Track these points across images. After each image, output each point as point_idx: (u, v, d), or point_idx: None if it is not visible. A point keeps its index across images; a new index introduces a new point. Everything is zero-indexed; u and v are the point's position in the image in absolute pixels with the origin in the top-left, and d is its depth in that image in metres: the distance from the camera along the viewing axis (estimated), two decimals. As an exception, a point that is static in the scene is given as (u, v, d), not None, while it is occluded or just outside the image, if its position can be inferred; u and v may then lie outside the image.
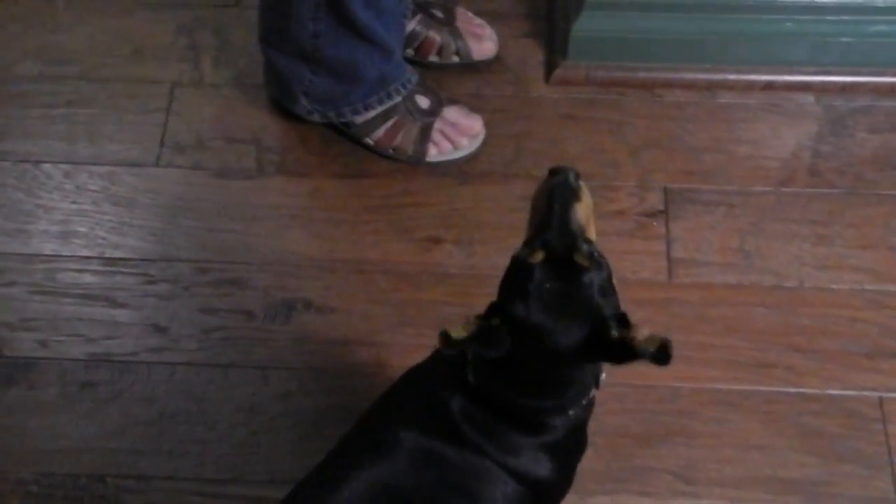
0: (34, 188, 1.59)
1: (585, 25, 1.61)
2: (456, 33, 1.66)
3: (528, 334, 0.91)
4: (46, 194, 1.59)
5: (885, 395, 1.39)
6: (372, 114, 1.56)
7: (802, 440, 1.36)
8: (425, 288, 1.49)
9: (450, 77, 1.68)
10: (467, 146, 1.59)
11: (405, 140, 1.57)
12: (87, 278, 1.51)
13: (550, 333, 0.90)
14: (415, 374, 1.08)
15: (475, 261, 1.51)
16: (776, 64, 1.64)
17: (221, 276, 1.51)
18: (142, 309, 1.48)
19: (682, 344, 1.43)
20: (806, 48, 1.62)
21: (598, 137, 1.62)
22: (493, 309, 0.95)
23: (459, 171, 1.59)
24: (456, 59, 1.67)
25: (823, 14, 1.58)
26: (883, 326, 1.44)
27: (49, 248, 1.54)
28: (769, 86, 1.65)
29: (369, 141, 1.59)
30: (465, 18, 1.69)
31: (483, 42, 1.67)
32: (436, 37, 1.65)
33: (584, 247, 0.91)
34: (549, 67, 1.68)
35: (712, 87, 1.66)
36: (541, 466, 1.01)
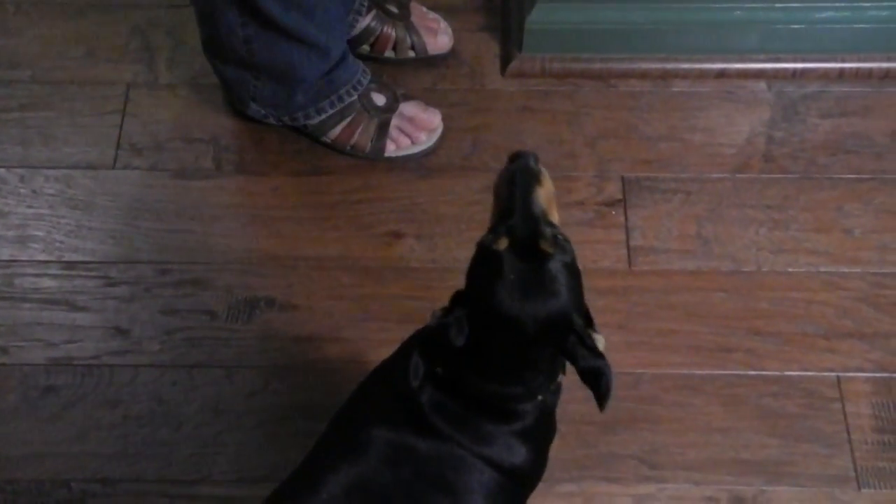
0: (-11, 193, 1.58)
1: (540, 17, 1.62)
2: (411, 28, 1.66)
3: (496, 321, 0.92)
4: (1, 199, 1.57)
5: (842, 374, 1.42)
6: (325, 115, 1.56)
7: (763, 422, 1.39)
8: (387, 283, 1.49)
9: (406, 72, 1.68)
10: (425, 141, 1.60)
11: (363, 137, 1.57)
12: (46, 282, 1.50)
13: (517, 319, 0.91)
14: (382, 371, 1.08)
15: (436, 254, 1.51)
16: (728, 52, 1.66)
17: (182, 277, 1.50)
18: (102, 312, 1.47)
19: (643, 331, 1.45)
20: (756, 36, 1.64)
21: (555, 129, 1.63)
22: (458, 297, 0.95)
23: (418, 165, 1.60)
24: (412, 53, 1.68)
25: (772, 1, 1.60)
26: (838, 308, 1.47)
27: (6, 253, 1.52)
28: (722, 74, 1.67)
29: (326, 139, 1.59)
30: (420, 13, 1.69)
31: (438, 36, 1.68)
32: (391, 32, 1.66)
33: (548, 231, 0.92)
34: (505, 60, 1.69)
35: (666, 76, 1.67)
36: (515, 453, 1.01)
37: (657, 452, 1.37)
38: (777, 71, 1.67)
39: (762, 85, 1.67)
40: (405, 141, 1.59)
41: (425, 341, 0.96)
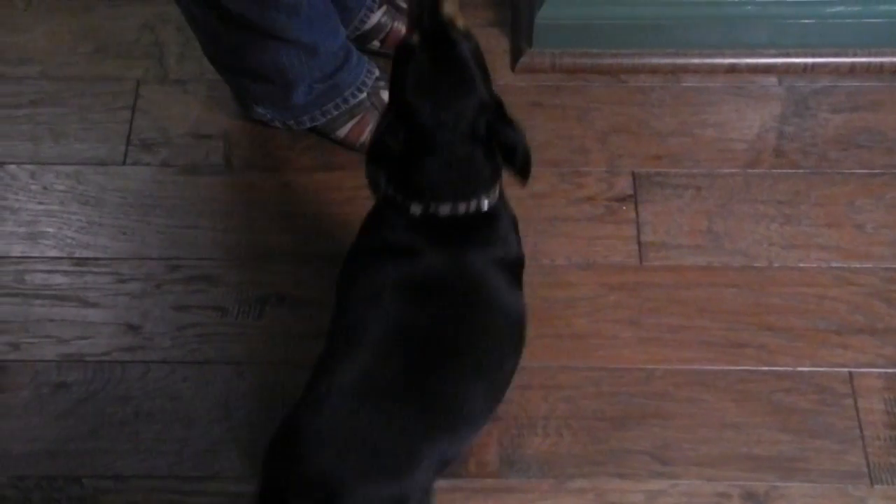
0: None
1: (550, 13, 1.62)
2: (421, 24, 1.66)
3: (420, 108, 1.01)
4: (12, 196, 1.57)
5: (854, 370, 1.41)
6: (331, 117, 1.55)
7: (775, 417, 1.38)
8: (398, 279, 1.49)
9: (416, 68, 1.68)
10: (435, 136, 1.59)
11: (373, 135, 1.57)
12: (58, 279, 1.50)
13: (441, 104, 1.00)
14: (358, 247, 1.18)
15: (447, 250, 1.51)
16: (739, 47, 1.66)
17: (193, 273, 1.50)
18: (114, 308, 1.47)
19: (655, 326, 1.44)
20: (767, 31, 1.64)
21: (565, 124, 1.63)
22: (387, 108, 1.06)
23: (428, 161, 1.59)
24: (421, 49, 1.67)
25: (784, -4, 1.60)
26: (850, 303, 1.46)
27: (17, 249, 1.52)
28: (733, 69, 1.66)
29: (336, 137, 1.59)
30: (430, 9, 1.68)
31: (448, 32, 1.67)
32: (401, 28, 1.65)
33: (455, 26, 1.02)
34: (515, 55, 1.69)
35: (677, 71, 1.67)
36: (509, 247, 1.12)
37: (669, 448, 1.37)
38: (788, 66, 1.66)
39: (773, 80, 1.66)
40: (415, 137, 1.58)
41: (373, 155, 1.05)
